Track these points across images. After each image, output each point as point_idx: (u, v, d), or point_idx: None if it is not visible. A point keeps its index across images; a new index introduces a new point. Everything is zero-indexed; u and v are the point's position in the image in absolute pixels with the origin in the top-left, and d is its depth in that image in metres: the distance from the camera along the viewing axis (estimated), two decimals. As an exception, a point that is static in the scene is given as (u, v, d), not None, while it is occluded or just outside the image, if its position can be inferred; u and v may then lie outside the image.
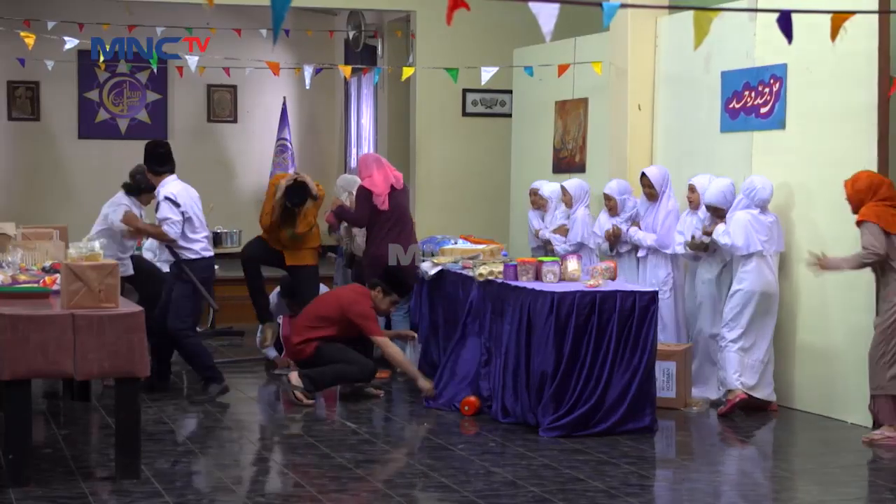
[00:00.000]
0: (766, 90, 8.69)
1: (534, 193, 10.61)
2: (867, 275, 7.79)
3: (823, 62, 8.20)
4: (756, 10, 8.34)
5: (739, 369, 8.26)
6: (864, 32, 7.82)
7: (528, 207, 10.79)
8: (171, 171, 8.80)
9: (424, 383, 8.63)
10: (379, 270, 9.34)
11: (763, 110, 8.73)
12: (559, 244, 9.92)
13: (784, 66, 8.50)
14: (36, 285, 7.28)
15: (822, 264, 7.63)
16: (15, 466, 6.23)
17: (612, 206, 9.42)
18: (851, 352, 8.09)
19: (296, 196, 9.73)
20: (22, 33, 10.22)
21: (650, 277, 9.12)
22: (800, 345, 8.50)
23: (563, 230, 10.06)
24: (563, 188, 10.19)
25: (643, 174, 9.25)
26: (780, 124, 8.60)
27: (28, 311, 6.35)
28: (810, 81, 8.42)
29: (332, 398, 8.93)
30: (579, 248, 9.79)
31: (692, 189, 8.84)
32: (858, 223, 7.46)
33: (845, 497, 6.48)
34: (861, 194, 7.50)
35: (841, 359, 8.21)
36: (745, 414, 8.30)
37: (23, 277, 7.49)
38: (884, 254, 7.36)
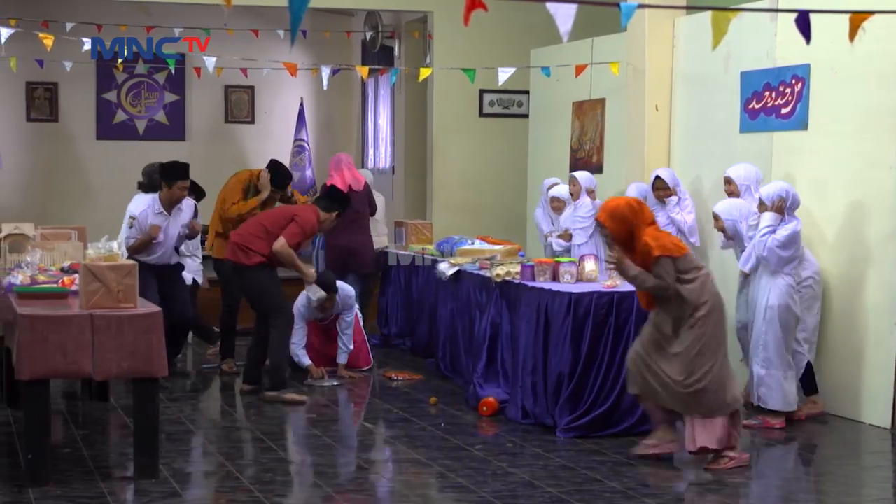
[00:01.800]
0: (788, 90, 8.65)
1: (556, 200, 10.43)
2: (891, 278, 7.74)
3: (849, 62, 8.13)
4: (775, 11, 8.29)
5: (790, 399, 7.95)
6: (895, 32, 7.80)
7: (544, 207, 10.73)
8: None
9: (309, 270, 9.11)
10: (339, 261, 10.47)
11: (784, 111, 8.69)
12: (560, 247, 9.93)
13: (807, 67, 8.46)
14: (55, 286, 7.30)
15: (620, 262, 6.87)
16: (34, 466, 6.25)
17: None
18: (873, 354, 8.07)
19: (281, 179, 9.89)
20: (40, 35, 10.24)
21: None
22: (821, 347, 8.45)
23: (566, 235, 10.00)
24: (572, 179, 10.08)
25: (657, 177, 9.28)
26: (803, 125, 8.55)
27: (47, 311, 6.38)
28: (835, 81, 8.37)
29: (359, 403, 8.95)
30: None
31: (729, 181, 8.56)
32: (656, 258, 6.76)
33: (867, 498, 6.45)
34: (628, 223, 6.79)
35: (862, 361, 8.18)
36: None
37: (42, 278, 7.51)
38: (674, 290, 6.82)
